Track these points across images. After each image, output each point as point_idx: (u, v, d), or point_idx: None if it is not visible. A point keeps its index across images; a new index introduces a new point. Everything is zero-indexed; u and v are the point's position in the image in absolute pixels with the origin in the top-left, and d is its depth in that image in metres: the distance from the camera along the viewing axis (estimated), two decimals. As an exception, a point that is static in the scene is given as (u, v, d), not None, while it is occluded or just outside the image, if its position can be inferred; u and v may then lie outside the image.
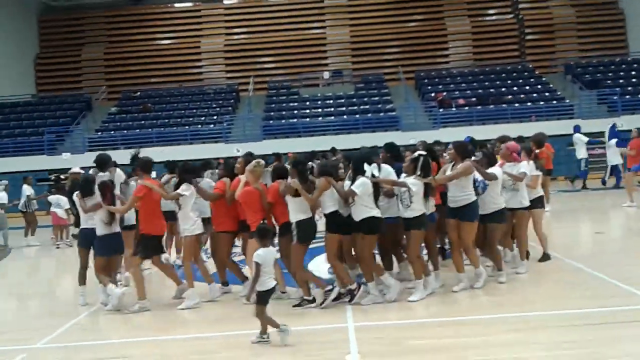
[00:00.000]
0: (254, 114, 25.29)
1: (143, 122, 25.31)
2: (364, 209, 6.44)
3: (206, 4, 30.75)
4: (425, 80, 27.27)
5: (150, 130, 24.22)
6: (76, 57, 29.74)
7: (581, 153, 16.70)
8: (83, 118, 26.36)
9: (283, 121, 24.62)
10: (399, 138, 20.03)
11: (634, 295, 6.33)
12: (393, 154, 7.58)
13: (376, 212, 6.50)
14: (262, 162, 7.27)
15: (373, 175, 6.64)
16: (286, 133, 23.36)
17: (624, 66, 26.60)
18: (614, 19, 29.41)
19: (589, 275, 7.37)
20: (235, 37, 30.44)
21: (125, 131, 24.47)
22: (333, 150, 14.72)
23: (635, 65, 26.43)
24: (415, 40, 29.51)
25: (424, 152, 6.82)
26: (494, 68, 27.89)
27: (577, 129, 17.54)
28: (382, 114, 24.46)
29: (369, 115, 24.36)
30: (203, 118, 25.47)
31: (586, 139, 16.78)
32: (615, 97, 22.93)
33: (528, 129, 17.54)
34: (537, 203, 7.99)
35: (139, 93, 28.43)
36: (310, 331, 5.85)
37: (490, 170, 7.09)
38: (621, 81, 24.89)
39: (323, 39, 30.16)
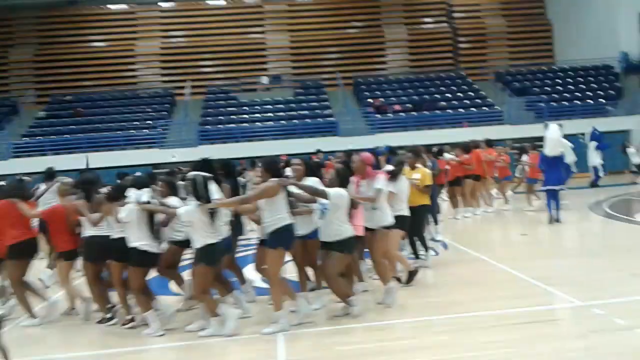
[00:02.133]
0: (191, 119, 24.86)
1: (73, 127, 24.40)
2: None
3: (142, 6, 30.05)
4: (363, 86, 27.63)
5: (80, 135, 23.39)
6: (3, 59, 28.38)
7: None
8: (9, 123, 25.16)
9: (220, 126, 24.33)
10: (337, 143, 20.25)
11: (552, 295, 6.58)
12: (226, 171, 6.84)
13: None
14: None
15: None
16: (223, 138, 23.08)
17: (550, 74, 27.85)
18: (542, 29, 30.83)
19: (512, 276, 7.61)
20: (172, 40, 29.89)
21: (53, 137, 23.51)
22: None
23: (560, 74, 27.73)
24: (353, 47, 29.88)
25: (200, 173, 5.83)
26: (429, 75, 28.60)
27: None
28: (320, 119, 24.59)
29: (308, 120, 24.43)
30: (137, 123, 24.81)
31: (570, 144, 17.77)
32: (542, 104, 23.95)
33: (460, 134, 18.11)
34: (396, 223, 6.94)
35: (69, 97, 27.42)
36: (241, 340, 5.76)
37: (335, 191, 6.02)
38: (548, 89, 26.04)
39: (262, 44, 30.07)
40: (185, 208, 5.76)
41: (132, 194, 6.13)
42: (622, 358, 4.64)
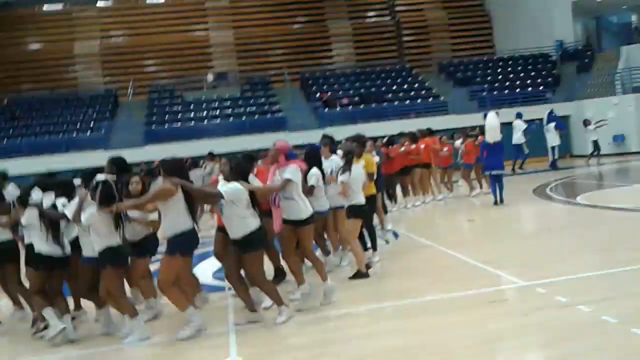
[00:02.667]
0: (135, 120, 24.29)
1: (11, 131, 23.46)
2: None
3: (78, 5, 29.13)
4: (310, 81, 27.66)
5: (19, 140, 22.50)
6: None
7: (518, 138, 18.85)
8: (-58, 128, 23.99)
9: (166, 126, 23.88)
10: (286, 139, 20.19)
11: (498, 277, 6.79)
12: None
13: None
14: None
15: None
16: (170, 138, 22.65)
17: (491, 64, 28.60)
18: (481, 20, 31.63)
19: (460, 260, 7.81)
20: (112, 39, 29.12)
21: (-9, 142, 22.57)
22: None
23: (501, 64, 28.51)
24: (299, 42, 29.90)
25: (106, 177, 5.80)
26: (375, 68, 28.89)
27: (518, 115, 19.49)
28: (268, 116, 24.48)
29: (256, 117, 24.28)
30: (79, 125, 24.06)
31: (524, 125, 18.92)
32: (484, 94, 24.59)
33: (409, 125, 18.36)
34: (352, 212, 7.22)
35: (6, 101, 26.32)
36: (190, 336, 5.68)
37: (228, 187, 5.64)
38: (489, 78, 26.74)
39: (206, 41, 29.67)
40: (87, 212, 5.59)
41: (34, 195, 6.07)
42: (565, 333, 4.84)
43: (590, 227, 9.59)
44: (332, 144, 7.88)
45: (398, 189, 13.13)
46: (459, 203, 13.83)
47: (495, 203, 12.21)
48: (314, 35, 30.30)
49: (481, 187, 14.34)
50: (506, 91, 25.55)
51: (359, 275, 7.27)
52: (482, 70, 27.89)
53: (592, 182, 14.88)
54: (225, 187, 5.63)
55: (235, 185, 5.64)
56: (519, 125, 18.96)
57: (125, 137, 22.49)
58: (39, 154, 20.92)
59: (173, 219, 5.48)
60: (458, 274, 7.22)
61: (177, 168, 5.61)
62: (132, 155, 19.85)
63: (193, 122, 24.31)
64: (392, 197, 12.63)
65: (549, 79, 26.45)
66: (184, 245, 5.54)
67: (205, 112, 25.20)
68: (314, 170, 6.90)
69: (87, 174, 6.10)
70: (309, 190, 6.85)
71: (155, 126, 23.85)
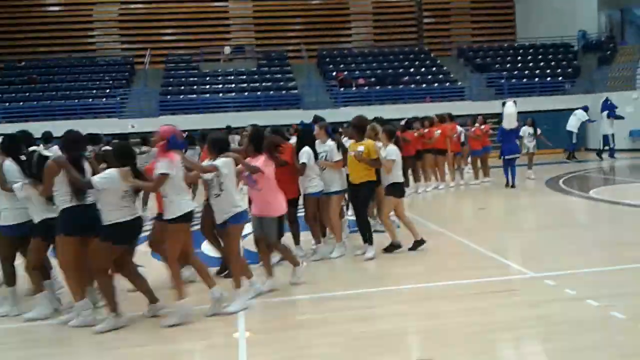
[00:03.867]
0: (150, 89, 24.30)
1: (28, 94, 23.55)
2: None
3: (99, -30, 29.01)
4: (327, 59, 27.46)
5: (35, 103, 22.61)
6: (-49, 22, 27.08)
7: (572, 125, 19.18)
8: (-42, 88, 24.14)
9: (181, 96, 23.88)
10: (300, 116, 20.12)
11: (507, 267, 6.79)
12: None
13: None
14: None
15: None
16: (184, 109, 22.67)
17: (511, 52, 28.23)
18: (504, 6, 31.14)
19: (470, 248, 7.81)
20: (132, 6, 28.98)
21: (7, 104, 22.67)
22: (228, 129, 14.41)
23: (521, 51, 28.13)
24: (318, 19, 29.63)
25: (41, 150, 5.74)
26: (393, 49, 28.60)
27: (585, 107, 19.66)
28: (284, 92, 24.39)
29: (271, 92, 24.21)
30: (95, 91, 24.12)
31: (586, 118, 19.22)
32: (502, 81, 24.33)
33: (423, 109, 18.27)
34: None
35: (23, 63, 26.39)
36: (199, 311, 5.74)
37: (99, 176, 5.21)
38: (508, 66, 26.41)
39: (225, 13, 29.49)
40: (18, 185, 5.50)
41: None
42: (572, 326, 4.84)
43: (602, 222, 9.53)
44: (327, 127, 7.64)
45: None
46: (469, 190, 13.77)
47: (507, 185, 13.29)
48: (333, 12, 30.00)
49: (486, 176, 14.34)
50: (525, 80, 25.24)
51: (392, 247, 7.61)
52: (501, 57, 27.55)
53: (605, 176, 14.76)
54: (96, 177, 5.23)
55: (107, 173, 5.21)
56: (581, 115, 19.15)
57: (140, 106, 22.55)
58: (54, 118, 21.02)
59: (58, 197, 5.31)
60: (466, 261, 7.22)
61: (75, 146, 5.43)
62: (146, 124, 20.09)
63: (208, 94, 24.28)
64: (405, 180, 12.59)
65: (569, 70, 26.09)
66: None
67: (221, 85, 25.17)
68: (306, 148, 7.12)
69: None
70: (299, 169, 7.08)
71: (170, 96, 23.85)
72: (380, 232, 8.20)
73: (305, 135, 7.40)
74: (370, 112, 17.99)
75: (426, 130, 12.89)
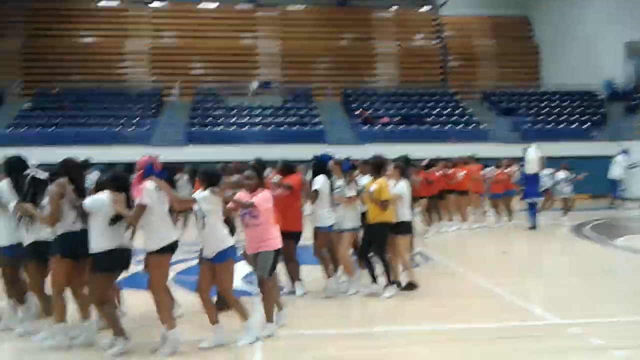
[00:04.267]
0: (178, 120, 24.77)
1: (58, 120, 24.17)
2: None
3: (133, 4, 30.01)
4: (352, 97, 27.78)
5: (66, 129, 23.16)
6: (-9, 48, 28.09)
7: (618, 174, 19.10)
8: (-7, 112, 24.89)
9: (207, 128, 24.26)
10: (325, 151, 20.27)
11: (529, 312, 6.67)
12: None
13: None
14: None
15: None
16: (210, 141, 23.01)
17: (536, 97, 28.26)
18: (529, 51, 31.36)
19: (491, 292, 7.70)
20: (162, 40, 29.83)
21: (38, 129, 23.27)
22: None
23: (546, 97, 28.15)
24: (344, 58, 30.09)
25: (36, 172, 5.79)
26: (417, 90, 28.84)
27: (623, 151, 19.88)
28: (308, 127, 24.66)
29: (296, 127, 24.49)
30: (124, 120, 24.65)
31: (626, 162, 19.21)
32: (527, 125, 24.28)
33: (447, 150, 18.28)
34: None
35: (57, 90, 27.15)
36: (217, 349, 5.72)
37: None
38: (533, 110, 26.41)
39: (253, 49, 30.14)
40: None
41: None
42: (597, 376, 4.73)
43: (629, 271, 9.34)
44: (343, 163, 7.61)
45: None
46: (491, 232, 13.65)
47: (531, 228, 13.45)
48: (359, 52, 30.47)
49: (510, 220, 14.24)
50: (550, 125, 25.17)
51: (410, 286, 7.46)
52: (526, 102, 27.57)
53: (632, 224, 14.52)
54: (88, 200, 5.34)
55: (95, 198, 5.29)
56: (621, 162, 19.04)
57: (168, 136, 22.96)
58: (83, 145, 21.47)
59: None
60: (487, 304, 7.12)
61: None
62: (172, 154, 20.38)
63: (234, 127, 24.64)
64: (430, 220, 12.61)
65: (595, 117, 25.98)
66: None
67: (246, 119, 25.53)
68: (320, 176, 7.22)
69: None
70: (312, 196, 7.18)
71: (197, 128, 24.25)
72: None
73: (320, 166, 7.41)
74: (393, 150, 18.09)
75: (450, 170, 12.90)
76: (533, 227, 13.42)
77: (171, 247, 5.35)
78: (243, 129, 24.40)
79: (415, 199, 9.53)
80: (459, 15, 31.87)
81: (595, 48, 27.65)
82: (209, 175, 5.59)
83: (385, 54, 30.85)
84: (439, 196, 12.57)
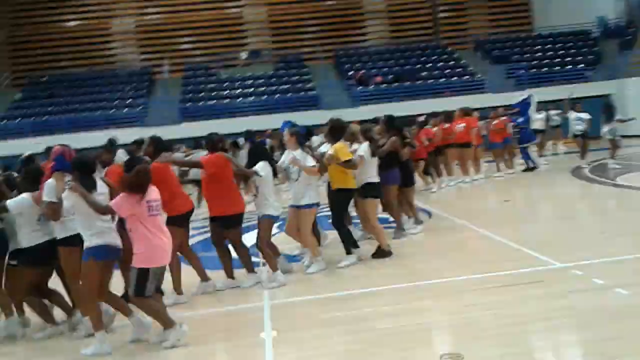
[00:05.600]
0: (171, 97, 24.60)
1: (50, 108, 24.04)
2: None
3: (115, -17, 29.45)
4: (344, 59, 27.46)
5: (59, 117, 23.06)
6: (-24, 42, 27.75)
7: None
8: (-15, 105, 24.73)
9: (201, 103, 24.10)
10: (319, 117, 20.16)
11: (534, 258, 6.72)
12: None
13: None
14: None
15: None
16: (205, 116, 22.89)
17: (529, 42, 27.88)
18: (520, -4, 30.77)
19: (495, 241, 7.76)
20: (148, 17, 29.36)
21: (32, 118, 23.17)
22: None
23: (539, 41, 27.76)
24: (332, 19, 29.62)
25: None
26: (409, 46, 28.48)
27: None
28: (302, 93, 24.47)
29: (289, 95, 24.30)
30: (116, 102, 24.49)
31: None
32: (522, 72, 24.05)
33: (443, 104, 18.14)
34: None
35: (46, 78, 26.93)
36: (227, 313, 5.86)
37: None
38: (527, 56, 26.10)
39: (240, 18, 29.68)
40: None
41: None
42: (601, 316, 4.79)
43: (629, 210, 9.38)
44: (299, 135, 7.10)
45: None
46: (494, 183, 13.67)
47: (532, 169, 14.50)
48: (347, 12, 29.97)
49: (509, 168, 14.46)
50: (544, 69, 24.91)
51: (380, 253, 7.31)
52: (519, 48, 27.21)
53: (631, 163, 14.51)
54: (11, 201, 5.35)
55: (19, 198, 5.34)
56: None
57: (162, 115, 22.84)
58: (77, 131, 21.41)
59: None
60: (491, 254, 7.18)
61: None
62: (169, 132, 20.28)
63: (227, 99, 24.47)
64: (432, 175, 12.65)
65: (590, 57, 25.67)
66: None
67: (239, 90, 25.33)
68: (260, 163, 6.57)
69: None
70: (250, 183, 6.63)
71: (191, 104, 24.10)
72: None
73: (258, 151, 6.91)
74: (389, 109, 17.98)
75: (446, 125, 12.83)
76: (534, 168, 14.45)
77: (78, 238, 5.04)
78: (236, 101, 24.23)
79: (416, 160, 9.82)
80: (447, -36, 31.21)
81: (587, -15, 27.18)
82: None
83: (374, 11, 30.35)
84: (438, 151, 12.55)
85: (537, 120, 15.96)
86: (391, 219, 8.60)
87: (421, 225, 8.83)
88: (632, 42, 25.22)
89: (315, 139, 11.29)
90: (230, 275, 6.66)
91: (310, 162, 6.86)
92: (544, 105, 17.00)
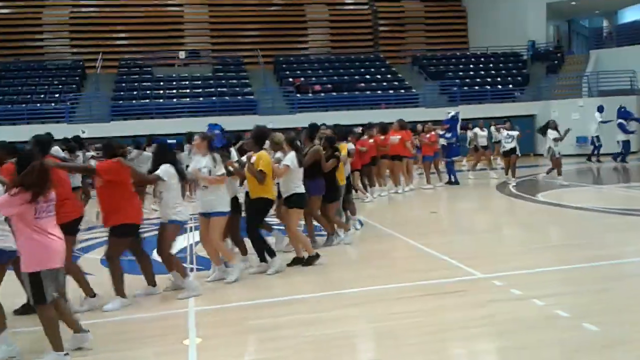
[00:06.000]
0: (102, 93, 23.76)
1: (-27, 98, 22.72)
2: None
3: (49, -29, 28.26)
4: (284, 65, 27.46)
5: (-19, 107, 21.82)
6: None
7: (594, 130, 19.24)
8: None
9: (134, 102, 23.41)
10: (257, 122, 20.01)
11: (457, 268, 6.88)
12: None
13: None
14: None
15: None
16: (137, 114, 22.25)
17: (463, 60, 28.86)
18: (458, 15, 31.87)
19: (421, 251, 7.90)
20: (83, 9, 28.32)
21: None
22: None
23: (473, 60, 28.81)
24: (275, 25, 29.60)
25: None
26: (349, 56, 28.84)
27: (599, 108, 19.63)
28: (239, 97, 24.23)
29: (227, 98, 24.01)
30: (43, 96, 23.41)
31: (600, 118, 19.13)
32: (455, 89, 24.84)
33: (378, 115, 18.44)
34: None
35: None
36: (150, 319, 5.64)
37: None
38: (461, 74, 27.00)
39: (180, 17, 29.14)
40: None
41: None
42: (517, 325, 4.93)
43: (549, 224, 9.80)
44: (210, 139, 6.69)
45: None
46: (423, 194, 13.98)
47: (454, 183, 15.02)
48: (290, 19, 30.04)
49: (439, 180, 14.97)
50: (477, 87, 25.84)
51: (297, 261, 7.26)
52: (454, 65, 28.12)
53: (553, 180, 15.20)
54: None
55: None
56: (597, 118, 19.28)
57: (91, 111, 22.02)
58: (2, 124, 20.33)
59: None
60: (418, 264, 7.29)
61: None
62: (97, 129, 19.63)
63: (162, 99, 23.89)
64: (368, 186, 12.79)
65: (518, 78, 26.86)
66: None
67: (175, 90, 24.81)
68: (163, 167, 6.13)
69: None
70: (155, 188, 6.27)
71: (123, 101, 23.36)
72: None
73: (162, 153, 6.36)
74: (326, 118, 18.11)
75: (382, 137, 13.01)
76: (456, 182, 15.02)
77: None
78: (172, 101, 23.71)
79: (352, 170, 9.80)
80: (388, -20, 31.92)
81: (519, 10, 28.57)
82: None
83: (317, 20, 30.57)
84: (372, 163, 12.71)
85: (482, 137, 17.07)
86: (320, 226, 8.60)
87: (349, 237, 8.62)
88: (558, 66, 26.62)
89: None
90: (151, 282, 6.35)
91: (220, 169, 6.48)
92: (487, 122, 17.82)
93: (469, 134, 18.11)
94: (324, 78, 26.27)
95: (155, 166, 6.21)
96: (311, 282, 6.64)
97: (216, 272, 6.76)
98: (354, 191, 11.20)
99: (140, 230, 6.24)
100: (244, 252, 7.21)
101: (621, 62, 24.11)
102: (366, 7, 31.39)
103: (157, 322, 5.56)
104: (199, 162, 6.49)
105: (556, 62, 26.96)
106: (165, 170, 6.12)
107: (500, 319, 5.09)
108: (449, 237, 9.04)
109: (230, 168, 6.84)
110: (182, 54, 27.39)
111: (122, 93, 24.07)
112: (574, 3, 28.35)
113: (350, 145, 10.13)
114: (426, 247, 8.00)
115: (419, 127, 15.34)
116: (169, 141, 8.79)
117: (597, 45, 28.21)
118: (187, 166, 6.89)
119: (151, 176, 6.19)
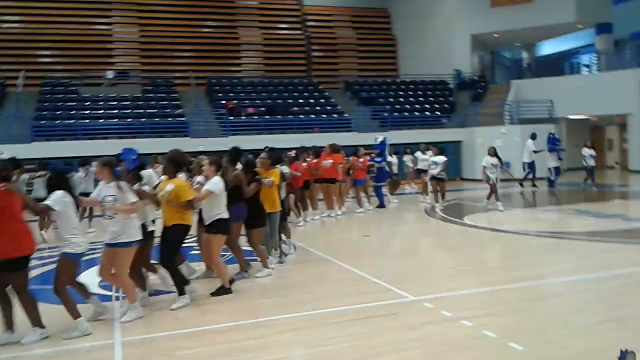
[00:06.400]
0: (24, 113, 22.67)
1: None
2: None
3: (-33, -17, 26.91)
4: (217, 87, 27.26)
5: None
6: None
7: (528, 156, 19.66)
8: None
9: (58, 122, 22.47)
10: (188, 145, 19.71)
11: (390, 291, 6.97)
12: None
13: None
14: None
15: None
16: (61, 135, 21.35)
17: (394, 87, 29.71)
18: (388, 43, 32.89)
19: (354, 274, 7.95)
20: (5, 25, 27.09)
21: None
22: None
23: (403, 87, 29.71)
24: (208, 47, 29.42)
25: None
26: (283, 80, 29.04)
27: (532, 135, 20.06)
28: (170, 119, 23.79)
29: (157, 119, 23.51)
30: (-41, 114, 22.09)
31: (533, 147, 19.58)
32: (385, 114, 25.48)
33: (311, 139, 18.59)
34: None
35: None
36: (73, 350, 5.34)
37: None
38: (391, 100, 27.75)
39: (109, 36, 28.42)
40: None
41: None
42: (448, 346, 5.04)
43: (476, 247, 10.13)
44: (112, 165, 6.19)
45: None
46: (355, 218, 14.13)
47: (381, 206, 15.46)
48: (223, 41, 29.97)
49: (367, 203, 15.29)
50: (406, 113, 26.61)
51: (222, 291, 7.05)
52: (385, 92, 28.87)
53: (477, 204, 15.78)
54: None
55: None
56: (529, 146, 19.79)
57: (11, 131, 20.92)
58: None
59: None
60: (351, 287, 7.33)
61: None
62: (17, 151, 18.69)
63: (88, 119, 23.06)
64: (301, 209, 12.78)
65: (445, 105, 27.92)
66: None
67: (101, 111, 24.03)
68: (57, 193, 5.66)
69: None
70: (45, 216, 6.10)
71: (45, 121, 22.37)
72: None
73: (57, 179, 5.86)
74: (259, 141, 18.08)
75: (314, 160, 13.11)
76: (383, 206, 15.47)
77: None
78: (98, 122, 22.93)
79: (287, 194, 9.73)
80: (322, 6, 32.58)
81: (446, 40, 29.90)
82: None
83: (250, 43, 30.65)
84: (305, 186, 12.74)
85: (423, 160, 17.35)
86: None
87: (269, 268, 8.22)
88: (482, 95, 27.89)
89: None
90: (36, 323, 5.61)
91: (132, 197, 6.07)
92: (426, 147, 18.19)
93: (407, 157, 18.54)
94: (257, 101, 26.27)
95: (50, 193, 5.71)
96: (244, 309, 6.53)
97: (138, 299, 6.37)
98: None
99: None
100: (142, 287, 6.78)
101: (539, 91, 25.58)
102: (300, 32, 31.83)
103: (83, 355, 5.27)
104: (104, 190, 6.10)
105: (480, 90, 28.25)
106: (58, 198, 5.62)
107: (432, 341, 5.18)
108: (381, 260, 9.18)
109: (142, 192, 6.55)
110: (109, 74, 26.63)
111: (44, 112, 23.06)
112: (496, 35, 29.93)
113: (285, 169, 10.13)
114: (360, 270, 8.07)
115: (362, 150, 15.25)
116: (64, 166, 8.33)
117: (517, 76, 29.87)
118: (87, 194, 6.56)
119: (39, 205, 5.63)
